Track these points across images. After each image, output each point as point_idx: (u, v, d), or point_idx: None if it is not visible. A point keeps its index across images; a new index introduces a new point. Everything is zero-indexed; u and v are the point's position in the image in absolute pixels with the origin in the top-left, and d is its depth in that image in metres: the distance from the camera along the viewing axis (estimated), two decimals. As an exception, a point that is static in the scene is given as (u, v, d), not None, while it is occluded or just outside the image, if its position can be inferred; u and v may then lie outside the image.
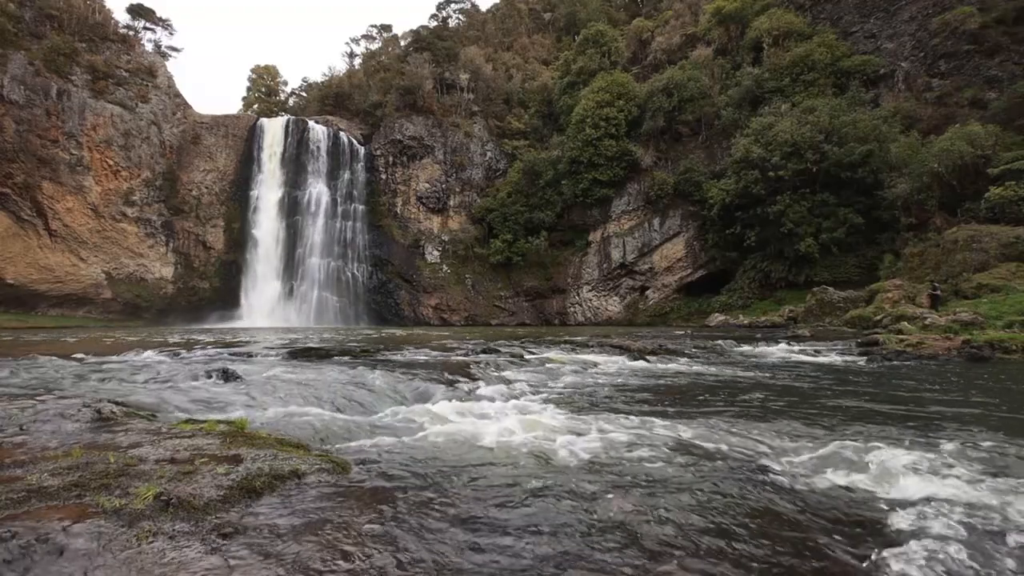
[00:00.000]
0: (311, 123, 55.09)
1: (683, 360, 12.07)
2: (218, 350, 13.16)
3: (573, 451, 4.13)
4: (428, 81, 56.76)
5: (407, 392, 6.87)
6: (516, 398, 6.97)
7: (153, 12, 58.83)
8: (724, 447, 4.31)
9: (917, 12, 38.48)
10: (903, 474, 3.53)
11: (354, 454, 3.90)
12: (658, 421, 5.37)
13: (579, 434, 4.70)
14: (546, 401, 6.72)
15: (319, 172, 53.65)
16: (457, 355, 11.94)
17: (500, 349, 13.50)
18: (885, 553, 2.42)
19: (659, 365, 11.21)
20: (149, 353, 11.88)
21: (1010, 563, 2.34)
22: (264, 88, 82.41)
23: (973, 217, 27.56)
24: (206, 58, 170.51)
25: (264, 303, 50.10)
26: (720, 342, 16.72)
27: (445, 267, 53.14)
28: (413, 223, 54.52)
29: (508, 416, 5.60)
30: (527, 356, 11.96)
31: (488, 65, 60.65)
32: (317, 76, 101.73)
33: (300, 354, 11.73)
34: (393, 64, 63.32)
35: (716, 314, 37.32)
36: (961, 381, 8.57)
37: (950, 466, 3.69)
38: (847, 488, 3.34)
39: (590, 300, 49.68)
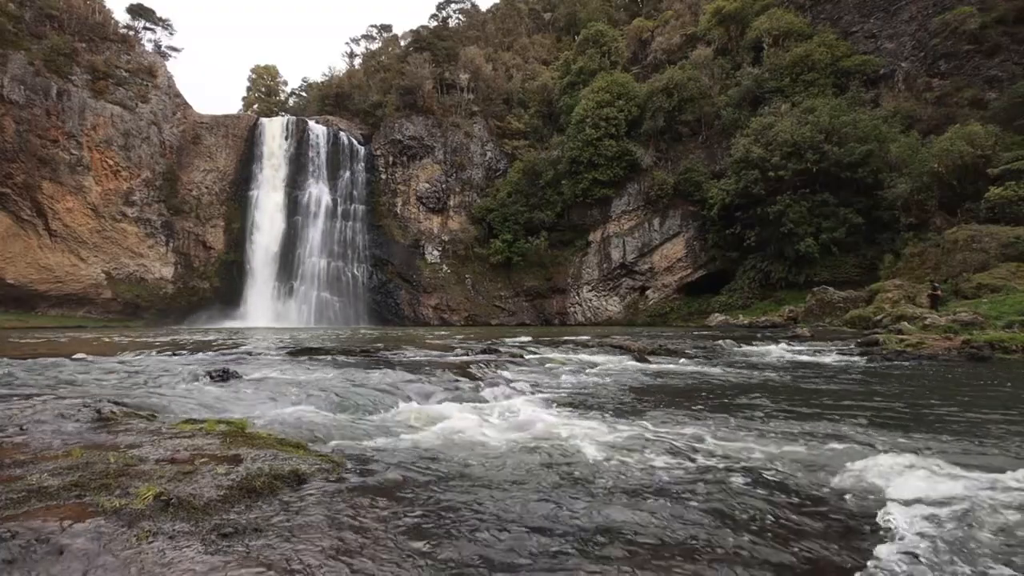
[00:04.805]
0: (311, 123, 55.11)
1: (683, 360, 12.06)
2: (218, 350, 13.16)
3: (573, 451, 4.13)
4: (428, 81, 56.74)
5: (407, 392, 6.86)
6: (516, 398, 6.97)
7: (153, 12, 58.92)
8: (723, 447, 4.31)
9: (917, 12, 38.48)
10: (902, 473, 3.52)
11: (354, 454, 3.90)
12: (658, 421, 5.37)
13: (579, 434, 4.70)
14: (546, 401, 6.72)
15: (319, 172, 53.66)
16: (457, 355, 11.94)
17: (500, 349, 13.49)
18: (881, 552, 2.42)
19: (659, 365, 11.20)
20: (149, 353, 11.89)
21: (1005, 559, 2.35)
22: (264, 88, 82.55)
23: (973, 217, 27.54)
24: (206, 58, 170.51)
25: (264, 303, 50.13)
26: (720, 342, 16.71)
27: (445, 267, 53.15)
28: (413, 223, 54.52)
29: (508, 416, 5.61)
30: (527, 356, 11.95)
31: (488, 65, 60.63)
32: (317, 76, 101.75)
33: (300, 354, 11.73)
34: (393, 64, 63.33)
35: (716, 314, 37.28)
36: (961, 381, 8.57)
37: (949, 465, 3.69)
38: (846, 487, 3.34)
39: (590, 300, 49.66)
